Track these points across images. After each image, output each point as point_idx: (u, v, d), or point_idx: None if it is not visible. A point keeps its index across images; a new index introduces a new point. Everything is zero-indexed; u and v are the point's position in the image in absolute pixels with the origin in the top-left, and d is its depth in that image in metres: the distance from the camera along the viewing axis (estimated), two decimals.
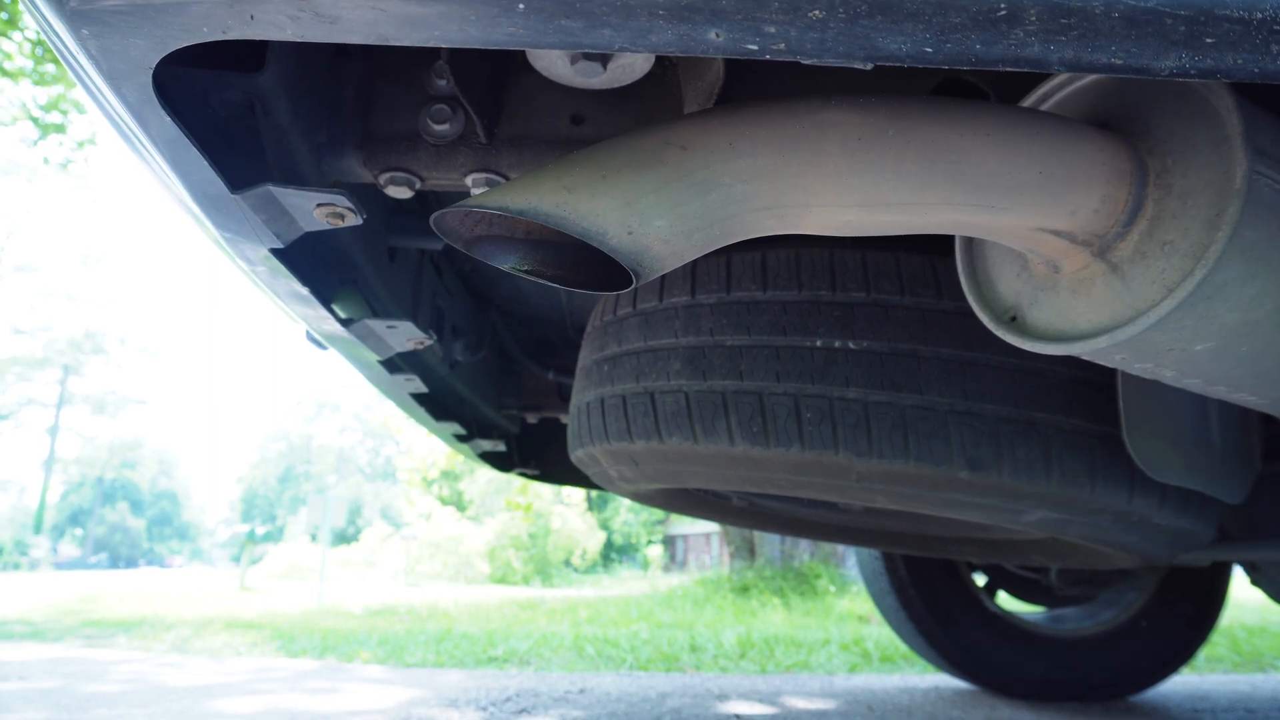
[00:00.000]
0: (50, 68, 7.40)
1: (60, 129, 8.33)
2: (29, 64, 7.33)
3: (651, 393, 1.23)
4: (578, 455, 1.49)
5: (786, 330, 1.14)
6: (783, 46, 0.51)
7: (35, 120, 8.16)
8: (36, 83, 7.60)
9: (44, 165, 8.83)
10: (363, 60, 0.94)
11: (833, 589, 7.24)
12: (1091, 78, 0.73)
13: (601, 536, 22.49)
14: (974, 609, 2.49)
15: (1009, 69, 0.51)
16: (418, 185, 0.95)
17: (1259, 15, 0.47)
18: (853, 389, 1.09)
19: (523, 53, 0.90)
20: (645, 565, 28.28)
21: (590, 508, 22.81)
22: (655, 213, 0.60)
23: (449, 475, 21.29)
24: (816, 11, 0.48)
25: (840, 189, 0.63)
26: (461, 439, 2.07)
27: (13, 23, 6.89)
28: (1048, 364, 1.10)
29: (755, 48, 0.51)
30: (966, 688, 2.74)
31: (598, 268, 0.73)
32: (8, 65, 7.28)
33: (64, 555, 42.13)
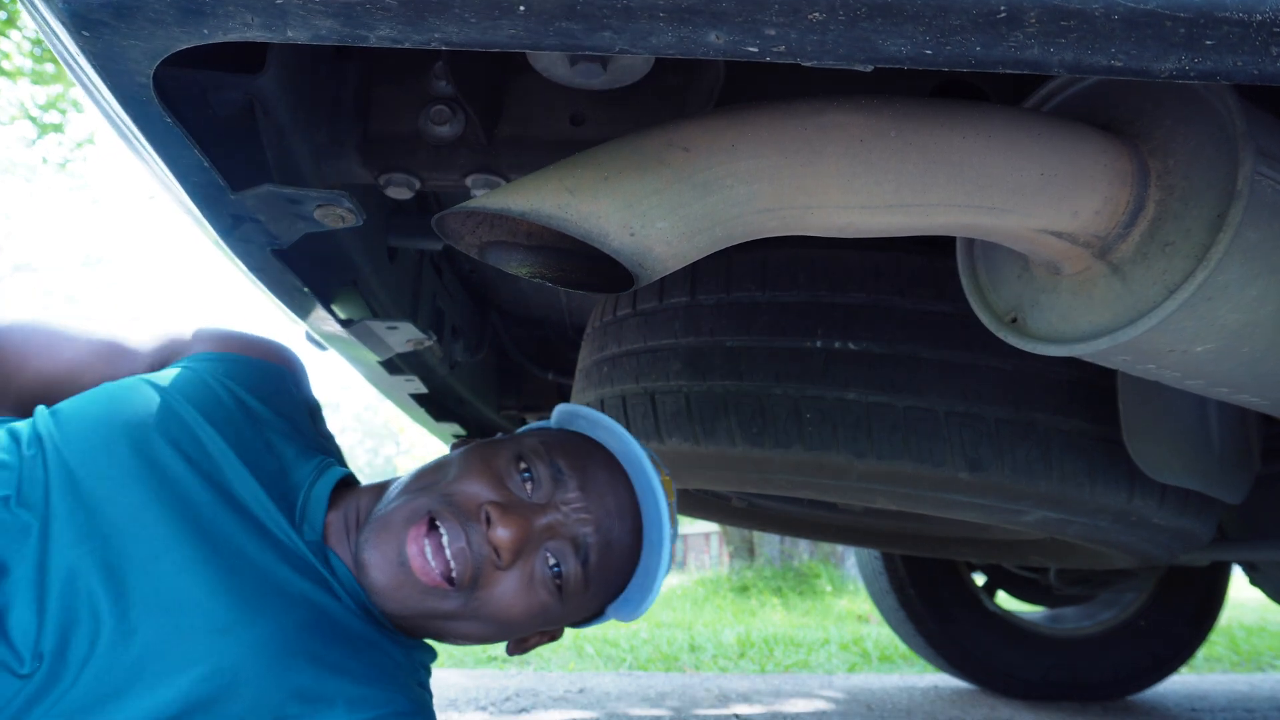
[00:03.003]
0: (49, 67, 7.40)
1: (59, 128, 8.34)
2: (28, 64, 7.33)
3: (651, 393, 1.23)
4: None
5: (786, 331, 1.14)
6: (783, 49, 0.51)
7: (34, 120, 8.16)
8: (35, 82, 7.60)
9: (42, 165, 8.84)
10: (363, 61, 0.94)
11: (831, 589, 7.24)
12: (1093, 79, 0.73)
13: None
14: (973, 609, 2.49)
15: (1009, 71, 0.51)
16: (417, 186, 0.94)
17: (1259, 17, 0.47)
18: (852, 390, 1.09)
19: (522, 54, 0.89)
20: None
21: None
22: (657, 214, 0.60)
23: None
24: (816, 14, 0.48)
25: (842, 190, 0.62)
26: (462, 440, 2.07)
27: (11, 22, 6.89)
28: (1047, 365, 1.10)
29: (755, 50, 0.51)
30: (966, 687, 2.74)
31: (599, 269, 0.73)
32: (6, 65, 7.27)
33: None
